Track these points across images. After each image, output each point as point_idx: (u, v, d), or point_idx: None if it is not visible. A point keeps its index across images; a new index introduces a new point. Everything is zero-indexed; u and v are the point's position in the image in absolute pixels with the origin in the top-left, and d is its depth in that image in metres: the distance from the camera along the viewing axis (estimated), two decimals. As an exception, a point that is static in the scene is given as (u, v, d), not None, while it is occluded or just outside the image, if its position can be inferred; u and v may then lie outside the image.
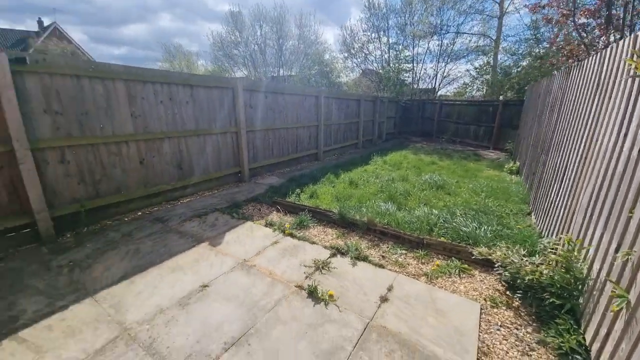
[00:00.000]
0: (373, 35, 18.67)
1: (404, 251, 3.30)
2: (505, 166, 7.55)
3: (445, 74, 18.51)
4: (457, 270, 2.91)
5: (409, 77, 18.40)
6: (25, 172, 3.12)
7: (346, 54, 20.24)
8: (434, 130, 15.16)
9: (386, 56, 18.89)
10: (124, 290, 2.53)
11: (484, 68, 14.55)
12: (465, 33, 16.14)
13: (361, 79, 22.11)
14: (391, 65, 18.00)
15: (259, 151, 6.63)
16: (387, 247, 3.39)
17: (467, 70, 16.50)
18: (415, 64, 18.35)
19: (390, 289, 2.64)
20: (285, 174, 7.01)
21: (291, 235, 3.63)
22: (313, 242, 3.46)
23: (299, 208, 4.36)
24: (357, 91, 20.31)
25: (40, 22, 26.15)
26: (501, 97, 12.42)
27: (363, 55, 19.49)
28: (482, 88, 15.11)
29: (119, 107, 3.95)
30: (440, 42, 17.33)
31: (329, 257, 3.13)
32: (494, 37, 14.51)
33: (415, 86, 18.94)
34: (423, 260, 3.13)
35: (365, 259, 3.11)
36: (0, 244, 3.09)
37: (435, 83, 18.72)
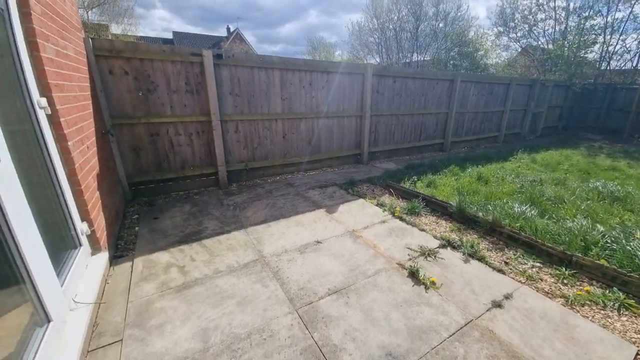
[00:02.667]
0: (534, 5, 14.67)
1: (537, 264, 2.75)
2: None
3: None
4: (616, 304, 2.21)
5: (594, 53, 13.62)
6: (216, 137, 4.46)
7: (501, 29, 16.90)
8: (627, 127, 10.86)
9: (561, 27, 14.57)
10: (263, 230, 3.31)
11: None
12: None
13: (517, 59, 18.05)
14: (568, 38, 13.78)
15: (380, 136, 6.74)
16: (514, 255, 2.91)
17: None
18: (606, 36, 13.35)
19: (508, 297, 2.31)
20: (403, 161, 6.87)
21: (400, 218, 3.65)
22: (422, 230, 3.37)
23: (413, 194, 4.27)
24: (510, 73, 16.84)
25: (228, 29, 34.48)
26: None
27: (526, 27, 15.75)
28: None
29: (274, 91, 4.94)
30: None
31: (438, 247, 2.99)
32: None
33: (603, 66, 13.87)
34: (565, 281, 2.52)
35: (481, 259, 2.80)
36: (199, 183, 4.61)
37: (638, 62, 13.07)
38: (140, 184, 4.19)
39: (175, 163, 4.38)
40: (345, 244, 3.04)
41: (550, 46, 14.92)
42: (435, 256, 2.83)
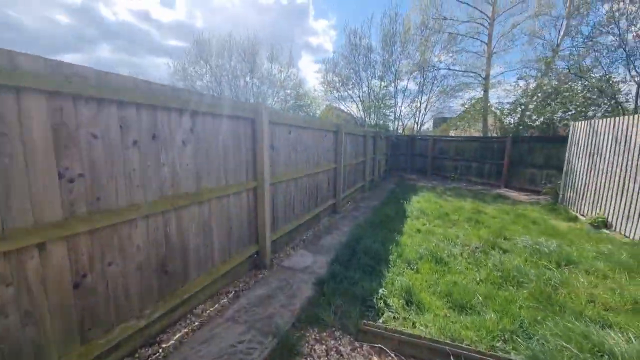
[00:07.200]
0: (352, 72, 18.07)
1: None
2: (567, 213, 6.36)
3: (427, 109, 18.37)
4: None
5: (391, 113, 17.92)
6: None
7: (325, 86, 19.34)
8: (429, 167, 14.32)
9: (365, 88, 18.22)
10: None
11: (477, 104, 14.51)
12: (455, 70, 16.29)
13: (335, 112, 21.25)
14: (372, 101, 17.38)
15: (280, 212, 4.36)
16: None
17: (463, 105, 16.46)
18: (397, 100, 18.01)
19: None
20: (313, 243, 4.75)
21: None
22: None
23: (427, 348, 2.19)
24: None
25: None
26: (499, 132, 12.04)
27: (344, 88, 18.69)
28: (476, 125, 14.98)
29: (34, 158, 1.54)
30: (422, 78, 17.19)
31: None
32: (484, 75, 14.82)
33: (397, 123, 18.49)
34: None
35: None
36: None
37: (420, 118, 18.45)
38: None
39: None
40: None
41: (360, 106, 18.35)
42: None
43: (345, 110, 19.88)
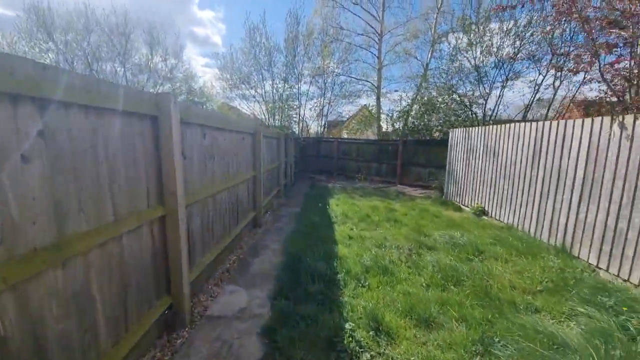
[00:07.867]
0: (252, 70, 17.03)
1: None
2: (453, 204, 7.65)
3: (328, 113, 19.14)
4: None
5: (296, 115, 17.88)
6: None
7: (223, 83, 17.51)
8: (334, 168, 14.99)
9: (269, 88, 17.56)
10: None
11: (370, 110, 16.07)
12: (353, 77, 17.46)
13: (234, 111, 19.74)
14: (276, 102, 16.90)
15: (197, 242, 3.30)
16: None
17: (363, 107, 17.81)
18: (302, 102, 18.08)
19: None
20: (242, 272, 3.88)
21: None
22: None
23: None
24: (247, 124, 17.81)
25: None
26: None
27: (246, 87, 17.38)
28: (372, 129, 16.56)
29: None
30: (323, 83, 17.75)
31: None
32: (376, 84, 16.55)
33: (302, 125, 18.60)
34: None
35: None
36: None
37: (322, 121, 19.02)
38: None
39: None
40: None
41: (264, 106, 17.58)
42: None
43: (248, 110, 18.62)
